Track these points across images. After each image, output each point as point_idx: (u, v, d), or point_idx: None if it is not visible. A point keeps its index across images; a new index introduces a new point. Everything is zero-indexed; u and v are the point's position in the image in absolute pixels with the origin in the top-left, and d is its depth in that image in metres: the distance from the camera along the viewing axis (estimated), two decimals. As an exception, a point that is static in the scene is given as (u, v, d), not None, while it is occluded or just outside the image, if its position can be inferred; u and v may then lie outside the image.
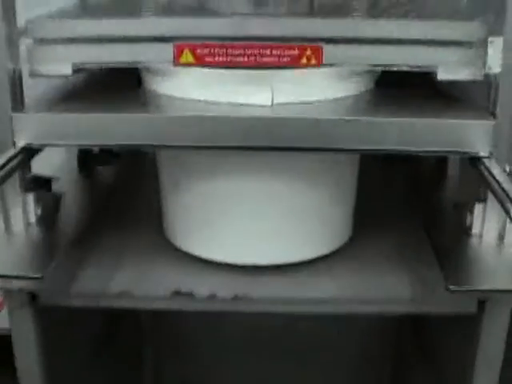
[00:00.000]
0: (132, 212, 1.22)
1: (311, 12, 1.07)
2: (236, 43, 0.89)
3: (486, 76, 0.90)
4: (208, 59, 0.90)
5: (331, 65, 0.91)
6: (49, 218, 1.04)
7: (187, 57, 0.90)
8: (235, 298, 0.98)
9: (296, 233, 1.05)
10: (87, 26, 0.94)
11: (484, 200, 0.96)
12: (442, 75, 0.91)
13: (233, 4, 1.04)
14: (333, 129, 0.91)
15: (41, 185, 1.03)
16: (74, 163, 1.26)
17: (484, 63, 0.90)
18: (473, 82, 0.91)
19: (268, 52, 0.89)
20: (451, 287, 0.86)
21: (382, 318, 1.44)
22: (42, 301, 1.00)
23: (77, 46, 0.93)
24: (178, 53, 0.90)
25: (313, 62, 0.90)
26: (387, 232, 1.13)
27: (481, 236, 0.99)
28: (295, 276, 1.03)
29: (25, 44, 0.95)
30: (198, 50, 0.90)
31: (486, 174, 0.88)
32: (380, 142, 0.91)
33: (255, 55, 0.90)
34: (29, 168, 1.00)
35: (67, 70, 0.94)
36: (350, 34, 0.90)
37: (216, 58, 0.90)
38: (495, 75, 0.89)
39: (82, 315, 1.14)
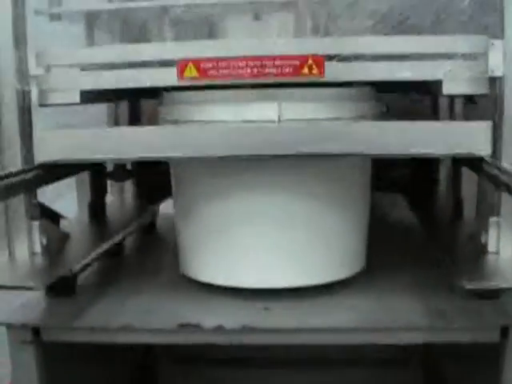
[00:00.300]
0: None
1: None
2: (239, 57, 0.91)
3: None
4: (211, 73, 0.91)
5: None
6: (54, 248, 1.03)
7: (191, 71, 0.91)
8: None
9: (310, 256, 1.04)
10: (93, 53, 0.97)
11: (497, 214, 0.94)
12: (447, 89, 0.91)
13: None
14: (339, 132, 0.92)
15: (47, 215, 1.03)
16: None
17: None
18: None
19: (270, 64, 0.91)
20: (465, 283, 0.83)
21: (403, 348, 1.37)
22: (45, 337, 0.98)
23: (84, 73, 0.96)
24: (182, 68, 0.91)
25: (314, 72, 0.90)
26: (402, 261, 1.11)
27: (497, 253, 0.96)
28: (311, 303, 1.02)
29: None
30: (202, 65, 0.91)
31: (494, 171, 0.87)
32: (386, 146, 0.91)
33: (257, 67, 0.91)
34: (35, 195, 1.00)
35: (75, 97, 0.96)
36: (352, 50, 0.91)
37: (219, 72, 0.91)
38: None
39: (84, 353, 1.11)
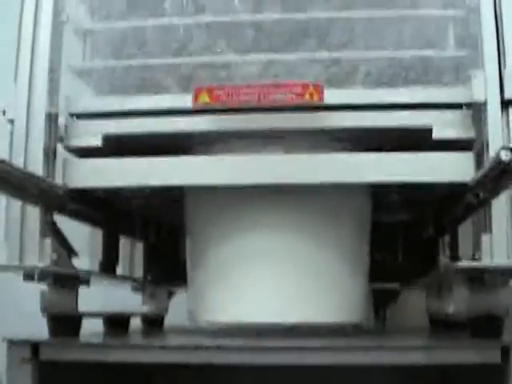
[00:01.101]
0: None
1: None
2: (247, 84, 1.02)
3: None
4: (223, 99, 1.02)
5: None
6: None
7: (203, 97, 1.02)
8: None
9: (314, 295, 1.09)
10: (115, 102, 1.08)
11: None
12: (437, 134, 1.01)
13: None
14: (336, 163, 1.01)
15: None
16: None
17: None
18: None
19: (276, 91, 1.01)
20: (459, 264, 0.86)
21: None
22: (44, 355, 1.00)
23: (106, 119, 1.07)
24: (196, 94, 1.02)
25: (315, 98, 1.01)
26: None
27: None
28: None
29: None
30: (215, 91, 1.02)
31: None
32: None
33: (265, 94, 1.01)
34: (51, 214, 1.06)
35: (97, 141, 1.06)
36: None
37: (230, 98, 1.02)
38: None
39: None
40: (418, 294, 1.44)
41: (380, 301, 1.54)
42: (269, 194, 1.08)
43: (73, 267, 1.07)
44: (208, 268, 1.12)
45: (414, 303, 1.55)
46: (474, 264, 0.93)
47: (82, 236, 1.20)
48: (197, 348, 0.99)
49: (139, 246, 1.40)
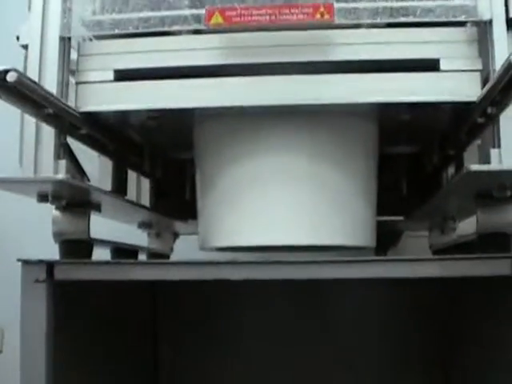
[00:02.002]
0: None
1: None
2: (258, 5, 1.03)
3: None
4: (235, 19, 1.03)
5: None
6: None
7: (217, 18, 1.03)
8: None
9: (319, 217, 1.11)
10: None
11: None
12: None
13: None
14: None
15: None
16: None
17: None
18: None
19: (287, 11, 1.03)
20: (472, 167, 0.88)
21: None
22: (59, 275, 1.02)
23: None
24: (209, 16, 1.03)
25: (326, 17, 1.02)
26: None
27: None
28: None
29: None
30: (227, 12, 1.03)
31: None
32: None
33: (276, 14, 1.03)
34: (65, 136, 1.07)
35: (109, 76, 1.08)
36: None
37: (242, 18, 1.03)
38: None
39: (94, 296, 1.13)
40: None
41: (381, 242, 1.56)
42: (280, 117, 1.10)
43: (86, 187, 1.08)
44: (220, 193, 1.13)
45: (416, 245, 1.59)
46: (487, 166, 0.95)
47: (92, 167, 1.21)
48: (205, 264, 1.01)
49: (146, 183, 1.42)
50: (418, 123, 1.17)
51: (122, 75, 1.07)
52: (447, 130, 1.18)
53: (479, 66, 1.03)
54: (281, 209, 1.10)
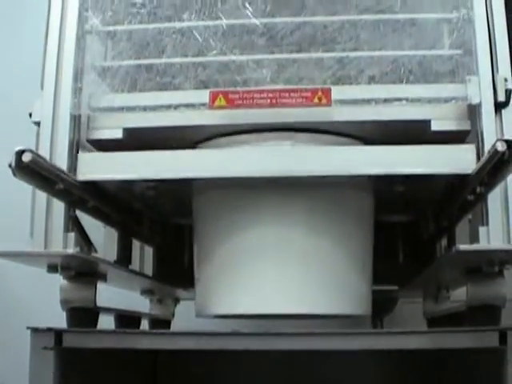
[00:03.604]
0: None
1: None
2: (260, 89, 1.09)
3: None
4: (238, 102, 1.09)
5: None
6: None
7: (220, 101, 1.10)
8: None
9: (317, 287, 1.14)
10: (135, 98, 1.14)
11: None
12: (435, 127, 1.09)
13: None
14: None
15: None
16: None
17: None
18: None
19: (286, 95, 1.09)
20: (460, 247, 0.93)
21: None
22: (67, 343, 1.06)
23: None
24: (213, 98, 1.10)
25: (323, 101, 1.09)
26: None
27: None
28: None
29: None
30: (230, 95, 1.10)
31: None
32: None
33: (276, 98, 1.09)
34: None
35: (118, 134, 1.13)
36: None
37: (244, 102, 1.09)
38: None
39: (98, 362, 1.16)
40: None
41: (377, 309, 1.60)
42: (274, 190, 1.13)
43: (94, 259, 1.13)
44: (217, 261, 1.17)
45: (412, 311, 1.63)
46: (474, 246, 1.00)
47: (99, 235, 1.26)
48: (207, 334, 1.05)
49: (149, 251, 1.47)
50: (412, 194, 1.22)
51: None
52: (441, 201, 1.23)
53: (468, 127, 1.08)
54: (277, 278, 1.13)
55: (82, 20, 1.14)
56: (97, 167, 1.11)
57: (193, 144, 1.18)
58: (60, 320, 1.14)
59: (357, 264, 1.19)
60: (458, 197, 1.11)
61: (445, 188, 1.17)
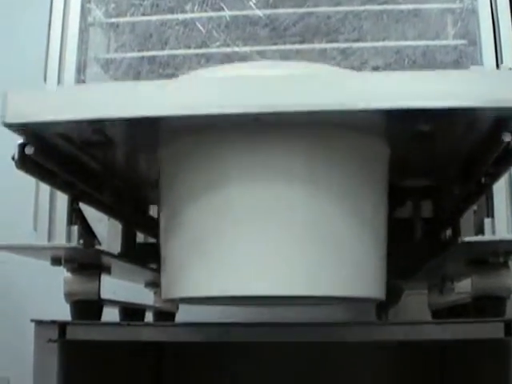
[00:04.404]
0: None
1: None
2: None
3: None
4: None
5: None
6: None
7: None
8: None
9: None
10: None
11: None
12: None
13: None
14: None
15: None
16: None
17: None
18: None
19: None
20: (466, 238, 0.92)
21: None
22: (71, 335, 1.05)
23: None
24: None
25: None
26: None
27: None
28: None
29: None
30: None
31: None
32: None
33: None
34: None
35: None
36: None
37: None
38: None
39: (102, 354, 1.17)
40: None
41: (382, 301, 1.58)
42: (263, 134, 0.88)
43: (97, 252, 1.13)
44: (187, 233, 0.93)
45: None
46: (480, 237, 0.99)
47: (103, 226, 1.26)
48: (212, 326, 1.05)
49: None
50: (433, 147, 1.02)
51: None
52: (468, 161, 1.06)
53: None
54: (271, 250, 0.89)
55: (84, 12, 1.14)
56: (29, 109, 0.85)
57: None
58: (64, 313, 1.14)
59: (370, 235, 0.95)
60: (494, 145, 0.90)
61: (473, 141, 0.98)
